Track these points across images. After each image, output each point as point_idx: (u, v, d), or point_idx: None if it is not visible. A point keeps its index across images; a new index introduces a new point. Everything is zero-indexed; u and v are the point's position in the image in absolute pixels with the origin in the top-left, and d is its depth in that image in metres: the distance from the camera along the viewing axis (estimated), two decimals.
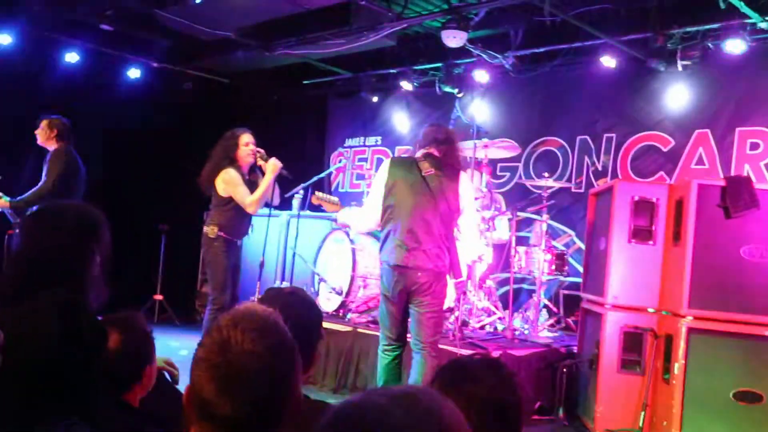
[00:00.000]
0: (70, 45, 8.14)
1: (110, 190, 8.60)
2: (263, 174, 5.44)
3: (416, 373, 4.13)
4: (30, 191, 5.82)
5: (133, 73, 8.73)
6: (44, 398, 1.82)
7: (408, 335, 4.27)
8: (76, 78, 8.25)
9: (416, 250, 4.04)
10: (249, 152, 5.39)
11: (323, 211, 7.83)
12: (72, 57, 8.21)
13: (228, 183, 5.32)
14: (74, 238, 2.26)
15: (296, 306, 2.15)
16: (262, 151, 5.44)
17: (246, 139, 5.38)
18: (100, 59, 8.39)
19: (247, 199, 5.29)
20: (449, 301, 4.76)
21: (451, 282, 4.31)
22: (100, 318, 2.33)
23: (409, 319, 4.21)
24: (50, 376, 1.79)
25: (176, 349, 6.52)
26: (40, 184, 5.86)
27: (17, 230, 5.38)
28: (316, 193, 5.08)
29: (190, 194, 8.08)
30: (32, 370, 1.79)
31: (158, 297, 8.60)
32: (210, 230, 5.50)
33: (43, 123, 6.06)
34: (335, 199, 4.90)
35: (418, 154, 4.25)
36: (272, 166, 5.29)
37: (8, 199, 5.77)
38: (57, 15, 7.48)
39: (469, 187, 4.33)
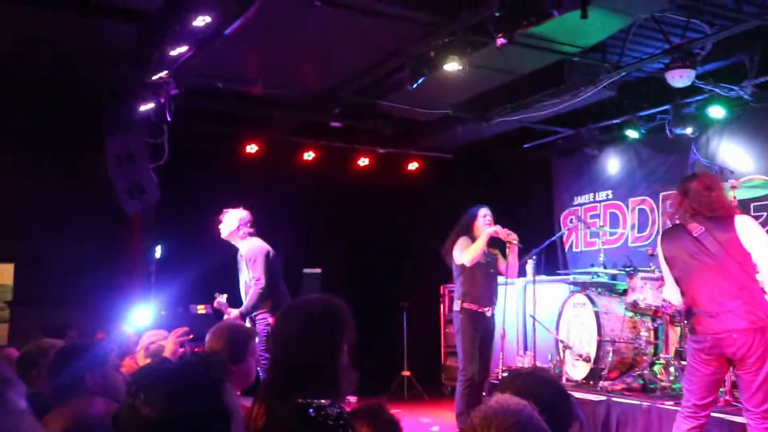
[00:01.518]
0: (307, 145, 8.93)
1: (352, 272, 9.14)
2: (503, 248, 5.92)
3: None
4: (249, 296, 5.79)
5: (363, 161, 9.31)
6: None
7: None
8: (314, 172, 8.99)
9: (722, 314, 3.77)
10: (487, 222, 5.86)
11: (559, 274, 7.65)
12: (309, 155, 8.97)
13: (457, 249, 5.78)
14: (324, 332, 2.35)
15: (538, 389, 2.03)
16: (513, 234, 5.85)
17: (484, 211, 5.95)
18: (333, 153, 9.08)
19: (463, 252, 5.69)
20: None
21: None
22: (347, 411, 2.40)
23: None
24: None
25: (427, 425, 6.58)
26: (253, 284, 5.79)
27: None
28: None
29: (427, 270, 8.36)
30: None
31: (406, 373, 8.80)
32: (455, 303, 5.90)
33: (225, 216, 6.02)
34: None
35: (679, 219, 4.07)
36: (490, 230, 5.78)
37: (237, 310, 5.79)
38: (293, 120, 8.28)
39: (750, 225, 3.91)
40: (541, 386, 1.96)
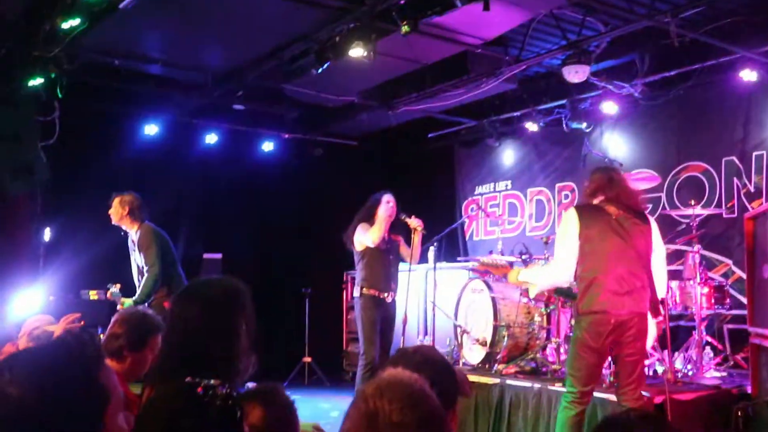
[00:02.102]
0: (209, 127, 8.71)
1: (254, 259, 9.01)
2: (406, 233, 5.96)
3: None
4: (142, 284, 5.65)
5: (267, 146, 9.18)
6: None
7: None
8: (216, 156, 8.79)
9: (629, 293, 3.95)
10: (389, 209, 5.84)
11: (459, 261, 7.80)
12: (211, 138, 8.76)
13: (358, 234, 5.81)
14: (222, 314, 2.31)
15: (424, 366, 2.06)
16: (419, 221, 5.91)
17: (386, 198, 5.90)
18: (236, 137, 8.90)
19: (366, 234, 5.68)
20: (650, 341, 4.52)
21: (652, 321, 4.15)
22: (241, 391, 2.37)
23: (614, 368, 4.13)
24: None
25: (327, 410, 6.59)
26: (146, 270, 5.66)
27: None
28: (481, 259, 5.19)
29: (330, 256, 8.35)
30: None
31: (307, 359, 8.78)
32: (356, 288, 5.94)
33: (115, 201, 5.81)
34: (504, 261, 4.85)
35: (596, 201, 4.15)
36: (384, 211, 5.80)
37: (132, 299, 5.66)
38: (195, 101, 8.05)
39: (656, 228, 4.22)
40: (427, 363, 1.99)
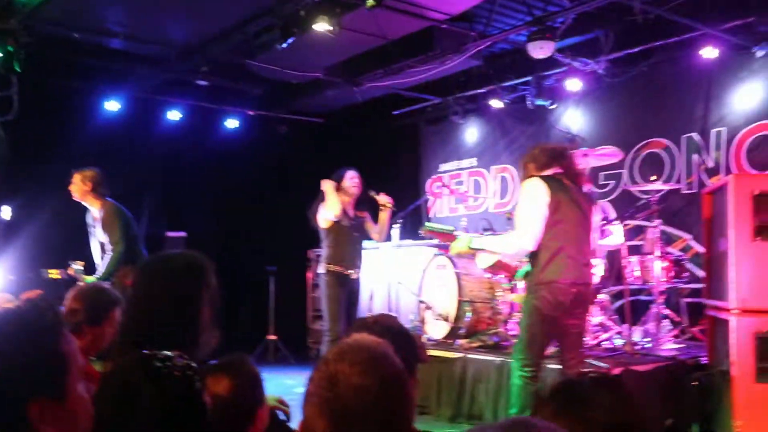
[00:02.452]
0: (172, 103, 8.58)
1: (218, 237, 8.94)
2: (374, 210, 5.95)
3: None
4: (105, 262, 5.57)
5: (231, 123, 9.08)
6: None
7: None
8: (180, 133, 8.67)
9: (587, 266, 4.08)
10: (354, 185, 5.87)
11: (423, 238, 7.81)
12: (174, 115, 8.63)
13: (321, 211, 5.80)
14: (184, 287, 2.29)
15: (386, 334, 2.07)
16: (388, 198, 5.94)
17: (350, 174, 5.90)
18: (200, 113, 8.79)
19: (325, 212, 5.69)
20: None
21: None
22: (210, 363, 2.36)
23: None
24: None
25: (292, 386, 6.59)
26: (110, 248, 5.59)
27: None
28: (426, 224, 5.13)
29: (295, 235, 8.32)
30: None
31: (272, 337, 8.78)
32: (320, 265, 5.95)
33: (76, 177, 5.68)
34: (450, 228, 4.82)
35: (549, 171, 4.17)
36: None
37: (94, 277, 5.55)
38: (158, 77, 7.91)
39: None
40: (388, 331, 2.00)
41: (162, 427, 1.82)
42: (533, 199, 4.06)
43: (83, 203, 5.76)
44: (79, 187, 5.67)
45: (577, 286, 4.01)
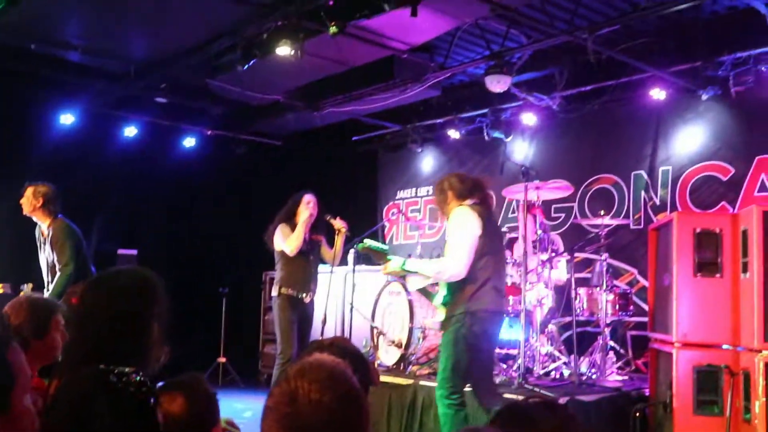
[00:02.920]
0: (129, 120, 8.49)
1: (171, 256, 8.83)
2: (329, 234, 5.93)
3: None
4: (55, 282, 5.40)
5: (189, 141, 9.03)
6: None
7: None
8: (135, 150, 8.58)
9: (506, 296, 4.43)
10: (309, 209, 5.81)
11: (377, 264, 7.85)
12: (130, 131, 8.54)
13: (277, 237, 5.78)
14: (132, 303, 2.28)
15: (342, 355, 2.10)
16: (343, 223, 5.88)
17: (307, 198, 5.86)
18: (157, 131, 8.71)
19: (285, 242, 5.64)
20: None
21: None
22: (162, 383, 2.34)
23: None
24: None
25: (240, 411, 6.52)
26: (59, 268, 5.43)
27: None
28: (365, 240, 5.17)
29: (249, 256, 8.27)
30: None
31: (221, 359, 8.67)
32: (274, 288, 5.88)
33: (28, 191, 5.52)
34: (385, 247, 4.90)
35: (469, 201, 4.24)
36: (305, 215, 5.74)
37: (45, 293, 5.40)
38: (115, 92, 7.84)
39: None
40: (344, 353, 2.03)
41: None
42: (467, 228, 4.10)
43: (33, 218, 5.62)
44: (30, 201, 5.51)
45: (500, 315, 4.23)
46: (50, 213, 5.54)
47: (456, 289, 4.13)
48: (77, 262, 5.44)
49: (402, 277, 4.63)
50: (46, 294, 5.39)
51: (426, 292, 4.80)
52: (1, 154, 7.47)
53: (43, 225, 5.59)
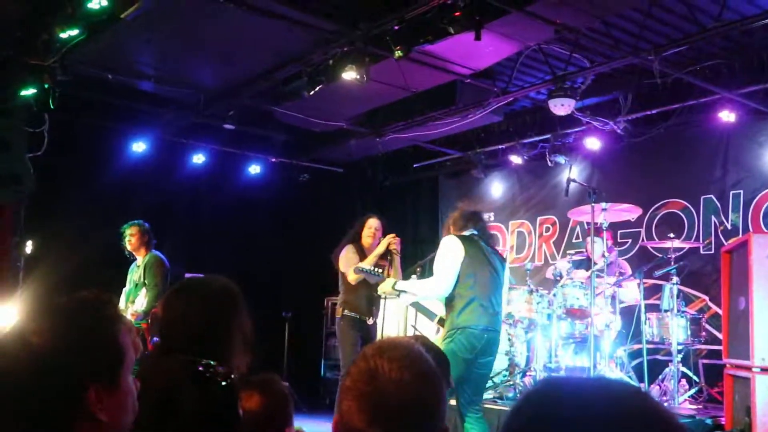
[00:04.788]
0: (197, 147, 8.75)
1: (235, 280, 8.98)
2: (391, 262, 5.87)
3: None
4: (146, 301, 6.13)
5: (254, 168, 9.23)
6: None
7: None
8: (202, 176, 8.82)
9: (496, 314, 4.52)
10: (370, 235, 5.84)
11: None
12: (198, 158, 8.79)
13: (342, 258, 5.81)
14: (214, 309, 2.34)
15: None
16: (396, 241, 5.80)
17: (371, 223, 5.91)
18: (223, 158, 8.95)
19: (349, 268, 5.67)
20: None
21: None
22: (240, 379, 2.39)
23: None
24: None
25: None
26: (149, 290, 6.19)
27: None
28: (358, 264, 5.29)
29: (311, 282, 8.35)
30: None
31: (284, 384, 8.70)
32: (337, 310, 5.93)
33: (134, 229, 6.30)
34: (379, 271, 5.24)
35: (468, 232, 4.66)
36: (385, 242, 5.72)
37: (138, 310, 6.13)
38: (185, 120, 8.11)
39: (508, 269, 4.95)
40: (426, 347, 2.04)
41: (200, 428, 1.86)
42: (449, 253, 4.55)
43: (134, 254, 6.30)
44: (135, 240, 6.23)
45: (488, 332, 4.42)
46: (148, 247, 6.33)
47: (448, 308, 4.56)
48: (165, 289, 5.97)
49: (397, 295, 4.94)
50: (136, 309, 6.11)
51: (428, 312, 5.02)
52: (75, 182, 7.74)
53: (139, 257, 6.31)
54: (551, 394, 0.91)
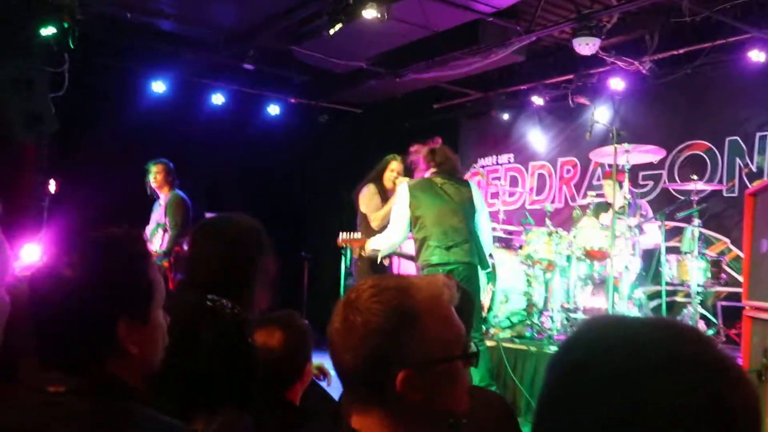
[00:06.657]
0: (216, 87, 8.72)
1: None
2: None
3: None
4: (166, 240, 6.40)
5: (273, 109, 9.20)
6: (203, 394, 1.93)
7: None
8: (222, 117, 8.81)
9: (451, 248, 4.62)
10: (392, 178, 5.78)
11: None
12: (218, 99, 8.77)
13: (363, 198, 5.78)
14: (240, 248, 2.37)
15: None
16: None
17: (393, 165, 5.84)
18: (243, 99, 8.92)
19: (372, 213, 5.65)
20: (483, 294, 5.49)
21: (481, 273, 4.90)
22: (261, 317, 2.45)
23: None
24: (205, 375, 1.93)
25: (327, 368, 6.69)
26: (170, 230, 6.44)
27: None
28: (341, 234, 5.34)
29: (329, 223, 8.39)
30: (189, 368, 1.92)
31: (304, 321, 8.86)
32: (355, 250, 5.81)
33: (160, 167, 6.55)
34: (358, 236, 5.41)
35: (428, 173, 4.88)
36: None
37: (159, 251, 6.35)
38: (204, 60, 8.06)
39: (478, 191, 5.05)
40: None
41: (218, 357, 1.92)
42: (397, 202, 4.90)
43: (156, 192, 6.54)
44: (158, 178, 6.48)
45: (443, 266, 4.56)
46: (171, 186, 6.55)
47: (415, 250, 4.83)
48: (186, 229, 6.21)
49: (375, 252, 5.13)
50: (159, 249, 6.32)
51: (412, 257, 5.19)
52: (96, 122, 7.78)
53: (162, 195, 6.53)
54: (598, 338, 0.83)
